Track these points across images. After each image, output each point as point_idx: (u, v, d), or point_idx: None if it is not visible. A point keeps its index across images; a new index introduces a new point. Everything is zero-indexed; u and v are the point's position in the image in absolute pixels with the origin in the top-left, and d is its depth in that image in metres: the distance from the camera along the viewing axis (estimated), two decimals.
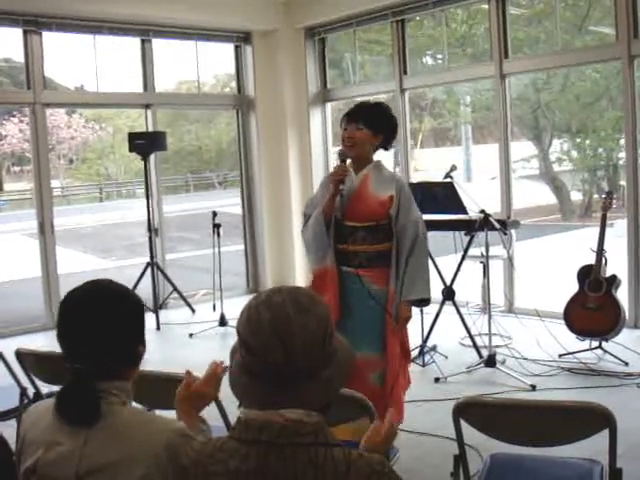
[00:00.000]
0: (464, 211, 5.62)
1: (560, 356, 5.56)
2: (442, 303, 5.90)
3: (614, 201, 5.62)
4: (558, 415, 2.41)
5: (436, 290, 6.00)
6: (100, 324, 1.75)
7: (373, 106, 3.92)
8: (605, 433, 2.31)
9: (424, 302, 3.98)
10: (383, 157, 3.98)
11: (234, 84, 9.34)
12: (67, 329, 1.76)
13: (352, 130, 3.76)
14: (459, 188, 5.60)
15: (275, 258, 8.90)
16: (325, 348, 1.50)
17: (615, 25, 6.31)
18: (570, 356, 5.52)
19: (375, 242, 3.77)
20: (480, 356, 5.54)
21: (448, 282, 5.90)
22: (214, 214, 7.38)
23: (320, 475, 1.42)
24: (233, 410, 1.87)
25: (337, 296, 3.79)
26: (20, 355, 3.32)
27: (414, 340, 5.80)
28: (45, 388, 3.50)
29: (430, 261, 5.80)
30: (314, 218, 3.80)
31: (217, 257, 7.19)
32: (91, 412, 1.70)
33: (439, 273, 5.90)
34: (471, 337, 5.77)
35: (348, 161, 3.85)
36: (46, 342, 6.27)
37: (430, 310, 5.78)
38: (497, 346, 5.75)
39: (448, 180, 5.65)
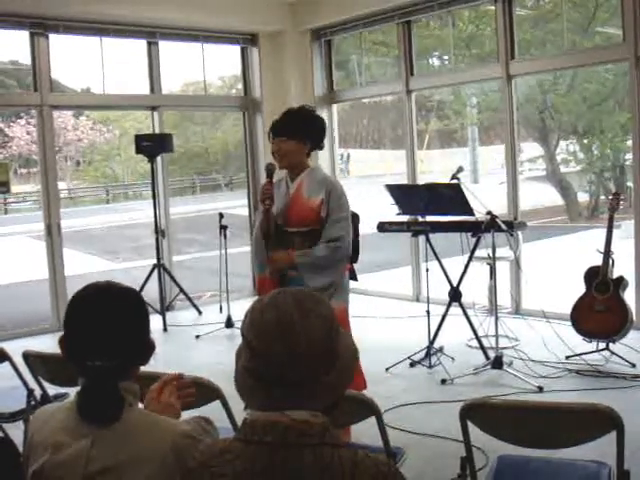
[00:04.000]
0: (471, 212, 5.61)
1: (567, 358, 5.55)
2: (449, 305, 5.89)
3: (621, 202, 5.61)
4: (565, 417, 2.40)
5: (443, 292, 6.03)
6: (118, 319, 1.77)
7: (294, 115, 3.99)
8: (612, 435, 2.30)
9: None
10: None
11: (240, 86, 9.36)
12: (85, 326, 1.76)
13: (277, 143, 3.89)
14: (465, 189, 5.59)
15: None
16: (329, 349, 1.50)
17: (622, 26, 6.30)
18: (577, 358, 5.51)
19: (312, 246, 3.85)
20: (487, 358, 5.53)
21: (455, 284, 5.89)
22: (221, 216, 7.39)
23: (326, 476, 1.42)
24: (240, 411, 1.88)
25: None
26: (27, 357, 3.33)
27: (421, 342, 5.82)
28: (52, 390, 3.52)
29: (437, 262, 5.86)
30: (255, 231, 4.04)
31: (224, 259, 7.20)
32: (115, 410, 1.71)
33: (446, 275, 5.90)
34: (478, 339, 5.76)
35: (281, 172, 3.97)
36: (53, 344, 6.26)
37: (437, 312, 5.79)
38: (504, 348, 5.74)
39: (455, 181, 5.65)
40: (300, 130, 3.89)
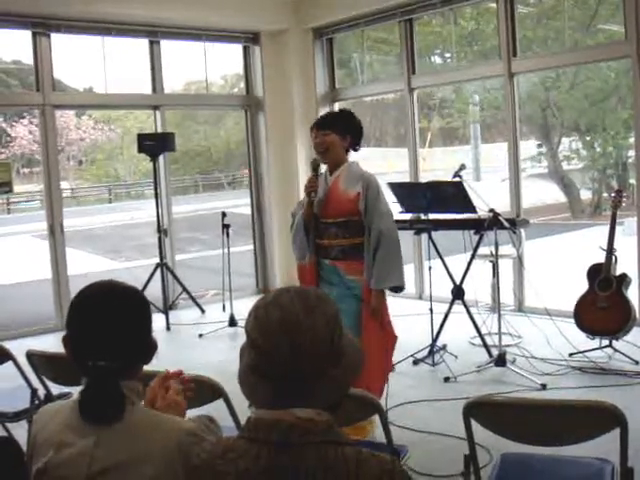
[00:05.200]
0: (473, 210, 5.61)
1: (570, 355, 5.55)
2: (452, 302, 5.90)
3: (624, 199, 5.60)
4: (568, 414, 2.40)
5: (446, 289, 6.02)
6: (121, 319, 1.77)
7: (336, 113, 4.32)
8: (616, 432, 2.30)
9: (398, 289, 4.25)
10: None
11: (242, 84, 9.36)
12: (88, 326, 1.76)
13: (321, 136, 4.11)
14: (468, 187, 5.59)
15: (284, 258, 8.88)
16: (334, 347, 1.50)
17: (624, 23, 6.29)
18: (580, 355, 5.50)
19: (347, 236, 4.11)
20: (490, 355, 5.53)
21: (457, 281, 5.89)
22: (223, 214, 7.39)
23: (330, 474, 1.42)
24: (243, 409, 1.87)
25: (315, 286, 4.15)
26: (31, 356, 3.34)
27: (424, 340, 5.82)
28: (56, 389, 3.52)
29: (439, 260, 5.86)
30: (297, 222, 4.23)
31: (226, 257, 7.21)
32: (117, 409, 1.71)
33: (448, 272, 5.89)
34: (481, 336, 5.76)
35: (323, 168, 4.22)
36: (56, 343, 6.26)
37: (440, 309, 5.79)
38: (507, 345, 5.74)
39: (457, 179, 5.65)
40: (342, 125, 4.13)
